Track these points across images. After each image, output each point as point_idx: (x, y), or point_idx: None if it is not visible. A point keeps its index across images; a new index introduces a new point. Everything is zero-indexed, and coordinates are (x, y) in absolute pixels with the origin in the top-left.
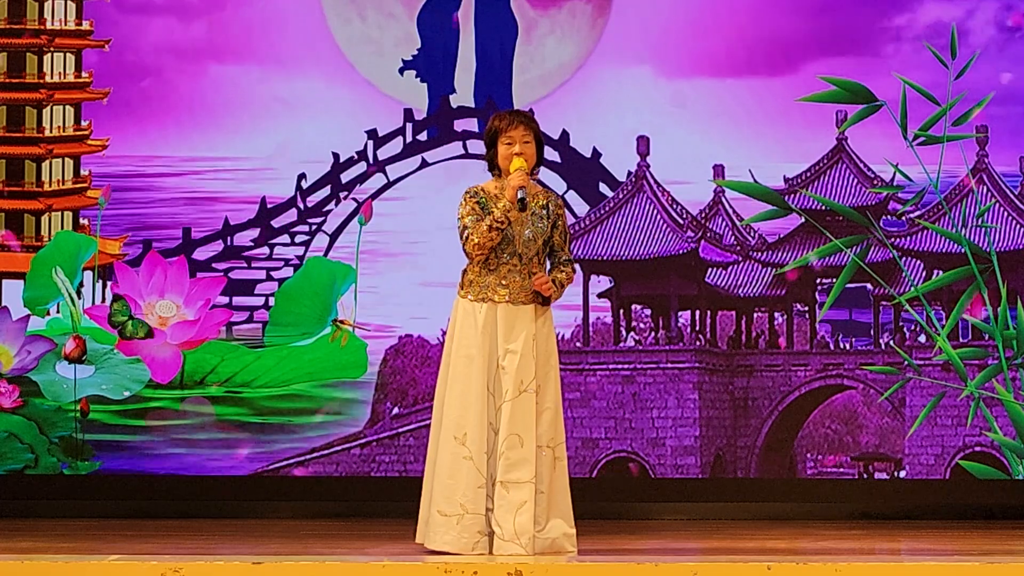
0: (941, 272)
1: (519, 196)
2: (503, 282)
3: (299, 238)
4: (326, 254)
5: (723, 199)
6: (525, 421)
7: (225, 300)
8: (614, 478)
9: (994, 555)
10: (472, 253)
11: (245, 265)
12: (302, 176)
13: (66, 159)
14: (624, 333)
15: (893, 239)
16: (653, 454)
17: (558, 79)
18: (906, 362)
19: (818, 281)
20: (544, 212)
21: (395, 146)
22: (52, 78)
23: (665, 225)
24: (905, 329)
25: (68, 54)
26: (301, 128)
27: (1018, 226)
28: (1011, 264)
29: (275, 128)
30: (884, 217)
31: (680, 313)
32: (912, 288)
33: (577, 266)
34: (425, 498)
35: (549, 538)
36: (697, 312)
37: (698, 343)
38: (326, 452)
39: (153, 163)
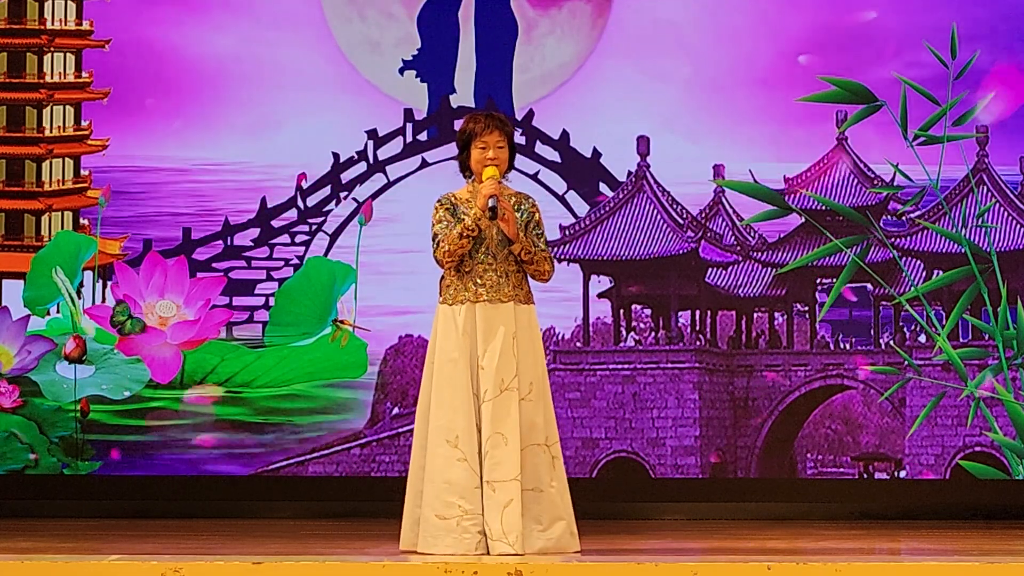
0: (941, 272)
1: (490, 204)
2: (479, 281)
3: (299, 238)
4: (326, 254)
5: (723, 199)
6: (508, 420)
7: (225, 300)
8: (614, 478)
9: (994, 555)
10: (443, 260)
11: (245, 265)
12: (302, 176)
13: (66, 159)
14: (624, 333)
15: (893, 239)
16: (653, 454)
17: (558, 79)
18: (906, 362)
19: (818, 281)
20: (518, 214)
21: (395, 146)
22: (52, 78)
23: (665, 225)
24: (905, 329)
25: (68, 54)
26: (301, 128)
27: (1018, 226)
28: (1011, 264)
29: (275, 128)
30: (884, 217)
31: (680, 313)
32: (912, 288)
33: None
34: (411, 503)
35: (553, 537)
36: (697, 312)
37: (698, 343)
38: (326, 452)
39: (153, 163)
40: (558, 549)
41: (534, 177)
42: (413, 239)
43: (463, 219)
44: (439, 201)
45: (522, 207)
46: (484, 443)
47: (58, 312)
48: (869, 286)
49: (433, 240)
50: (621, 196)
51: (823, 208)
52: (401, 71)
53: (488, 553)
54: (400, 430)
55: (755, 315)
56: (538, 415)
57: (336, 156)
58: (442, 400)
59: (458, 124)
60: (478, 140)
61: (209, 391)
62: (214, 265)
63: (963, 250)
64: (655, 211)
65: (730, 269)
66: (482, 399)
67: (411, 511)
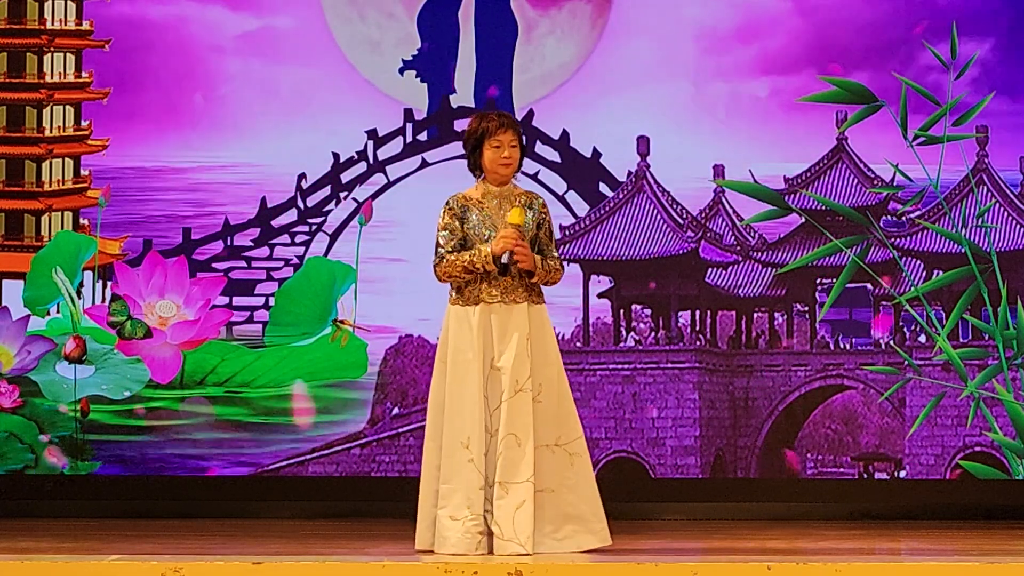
0: (941, 272)
1: (503, 260)
2: (493, 281)
3: (299, 238)
4: (326, 254)
5: (723, 199)
6: (522, 420)
7: (225, 300)
8: (614, 478)
9: (994, 555)
10: (440, 278)
11: (245, 265)
12: (302, 176)
13: (66, 159)
14: (624, 333)
15: (893, 239)
16: (653, 454)
17: (558, 79)
18: (906, 362)
19: (818, 281)
20: (528, 213)
21: (395, 146)
22: (52, 78)
23: (665, 225)
24: (905, 329)
25: (68, 54)
26: (301, 128)
27: (1018, 226)
28: (1011, 264)
29: (275, 128)
30: (884, 217)
31: (680, 313)
32: (912, 288)
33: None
34: (426, 503)
35: (564, 539)
36: (697, 312)
37: (698, 343)
38: (326, 452)
39: (153, 163)
40: (571, 548)
41: (534, 177)
42: (413, 239)
43: (474, 251)
44: (447, 204)
45: (533, 206)
46: (498, 444)
47: (58, 312)
48: (869, 286)
49: (436, 248)
50: (621, 196)
51: (823, 208)
52: (401, 71)
53: (490, 553)
54: (400, 430)
55: (755, 315)
56: (547, 416)
57: (336, 156)
58: (455, 401)
59: (458, 124)
60: (492, 139)
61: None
62: (214, 265)
63: (963, 250)
64: (655, 211)
65: (730, 269)
66: (498, 400)
67: (427, 511)
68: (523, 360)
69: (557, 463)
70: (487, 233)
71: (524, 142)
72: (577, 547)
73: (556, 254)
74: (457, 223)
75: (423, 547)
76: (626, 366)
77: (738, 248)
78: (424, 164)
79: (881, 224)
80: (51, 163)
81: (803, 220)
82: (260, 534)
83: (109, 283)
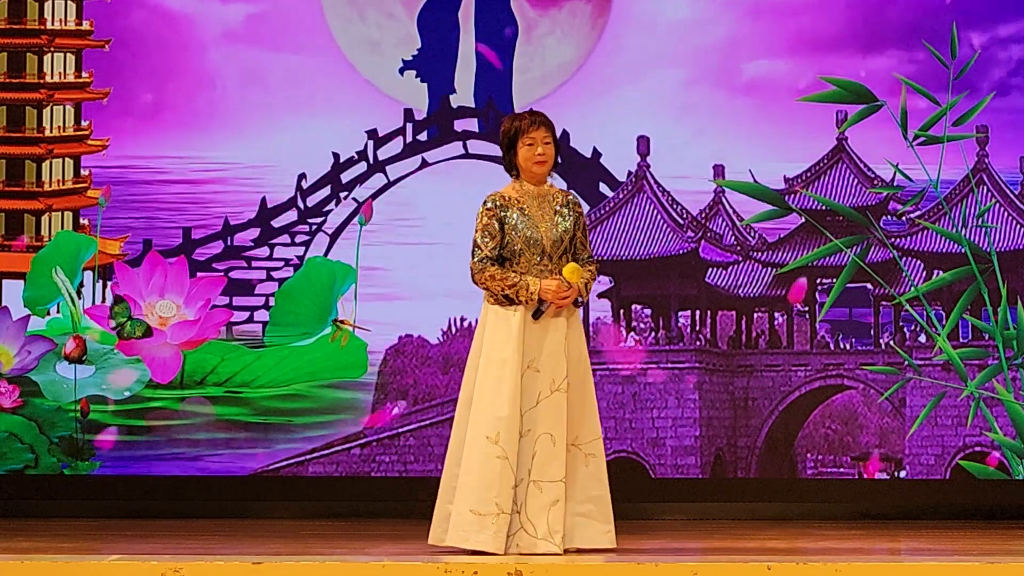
0: (941, 272)
1: (541, 308)
2: None
3: (299, 238)
4: (326, 254)
5: (723, 199)
6: (557, 420)
7: (225, 300)
8: (614, 478)
9: (994, 555)
10: (476, 283)
11: (245, 265)
12: (302, 176)
13: (66, 159)
14: (624, 333)
15: (893, 239)
16: (653, 454)
17: (558, 79)
18: (906, 362)
19: (818, 281)
20: (566, 211)
21: (395, 146)
22: (52, 78)
23: (665, 225)
24: (905, 329)
25: (68, 54)
26: (301, 128)
27: (1018, 226)
28: (1011, 264)
29: (275, 128)
30: (884, 217)
31: (680, 313)
32: (912, 288)
33: None
34: (444, 498)
35: (571, 534)
36: (697, 312)
37: (698, 343)
38: (326, 452)
39: (153, 163)
40: (576, 545)
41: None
42: (414, 239)
43: (520, 282)
44: (486, 204)
45: (568, 204)
46: (534, 442)
47: (58, 312)
48: (869, 286)
49: (474, 248)
50: (621, 196)
51: (823, 208)
52: (401, 71)
53: (518, 552)
54: (400, 430)
55: (755, 315)
56: (569, 414)
57: (336, 156)
58: (486, 397)
59: (458, 124)
60: (525, 137)
61: None
62: (214, 265)
63: (963, 250)
64: (655, 211)
65: (730, 269)
66: (536, 400)
67: (442, 506)
68: (560, 360)
69: (572, 462)
70: (530, 234)
71: (557, 139)
72: (582, 544)
73: (590, 254)
74: (496, 224)
75: (435, 542)
76: (626, 366)
77: (738, 248)
78: (424, 164)
79: (881, 224)
80: (51, 163)
81: (803, 220)
82: (260, 534)
83: (109, 283)
